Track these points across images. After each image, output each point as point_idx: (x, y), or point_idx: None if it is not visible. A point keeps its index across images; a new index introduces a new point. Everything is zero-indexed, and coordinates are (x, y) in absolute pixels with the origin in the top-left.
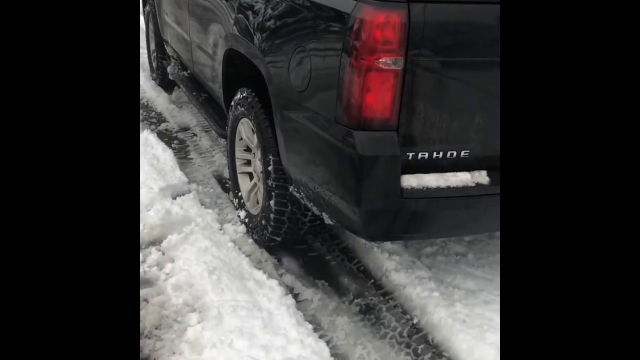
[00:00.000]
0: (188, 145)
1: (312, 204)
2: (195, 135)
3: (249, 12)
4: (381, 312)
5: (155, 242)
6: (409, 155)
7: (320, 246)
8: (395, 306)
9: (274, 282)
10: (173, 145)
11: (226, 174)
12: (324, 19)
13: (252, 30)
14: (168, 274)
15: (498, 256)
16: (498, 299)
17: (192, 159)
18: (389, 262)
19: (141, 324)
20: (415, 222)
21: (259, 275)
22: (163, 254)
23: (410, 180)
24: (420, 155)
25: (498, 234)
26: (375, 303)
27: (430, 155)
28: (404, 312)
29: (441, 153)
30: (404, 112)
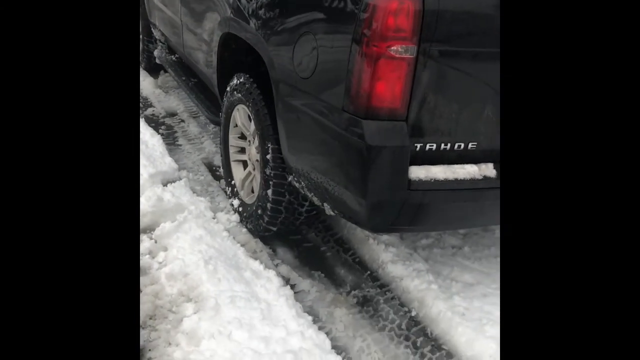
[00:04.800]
0: (176, 132)
1: (312, 194)
2: (183, 121)
3: None
4: (379, 304)
5: (147, 230)
6: (416, 147)
7: (315, 237)
8: (392, 298)
9: (271, 273)
10: (160, 131)
11: (216, 161)
12: (334, 4)
13: (252, 13)
14: (161, 262)
15: (494, 249)
16: (496, 292)
17: (180, 145)
18: (385, 254)
19: None
20: (421, 214)
21: (256, 265)
22: (155, 242)
23: (418, 172)
24: (428, 147)
25: (493, 227)
26: (372, 295)
27: (438, 146)
28: (402, 305)
29: (449, 145)
30: (414, 102)
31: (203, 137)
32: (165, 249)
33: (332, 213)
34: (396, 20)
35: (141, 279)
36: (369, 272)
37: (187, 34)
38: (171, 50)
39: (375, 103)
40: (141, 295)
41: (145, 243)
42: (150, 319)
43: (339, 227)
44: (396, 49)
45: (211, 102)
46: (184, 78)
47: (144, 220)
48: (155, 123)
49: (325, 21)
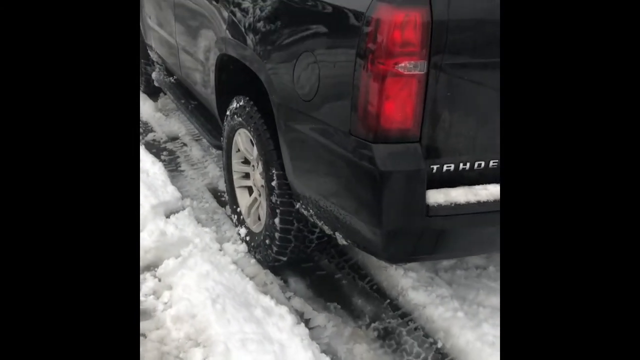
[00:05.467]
0: (178, 157)
1: (322, 222)
2: (185, 145)
3: (244, 13)
4: (401, 337)
5: (150, 267)
6: (433, 168)
7: (328, 264)
8: (416, 329)
9: (283, 309)
10: (162, 157)
11: (221, 186)
12: (335, 20)
13: (248, 33)
14: (166, 303)
15: None
16: None
17: (183, 171)
18: (404, 279)
19: None
20: (442, 242)
21: (267, 301)
22: (159, 280)
23: (437, 196)
24: (445, 168)
25: None
26: (394, 326)
27: (457, 166)
28: (426, 335)
29: (468, 164)
30: (427, 120)
31: (206, 160)
32: (170, 288)
33: (344, 242)
34: (403, 34)
35: (146, 322)
36: (388, 301)
37: (183, 55)
38: (169, 72)
39: (384, 125)
40: (146, 341)
41: (148, 282)
42: None
43: (354, 252)
44: (404, 65)
45: (212, 125)
46: (183, 101)
47: (147, 257)
48: (156, 149)
49: (325, 39)
